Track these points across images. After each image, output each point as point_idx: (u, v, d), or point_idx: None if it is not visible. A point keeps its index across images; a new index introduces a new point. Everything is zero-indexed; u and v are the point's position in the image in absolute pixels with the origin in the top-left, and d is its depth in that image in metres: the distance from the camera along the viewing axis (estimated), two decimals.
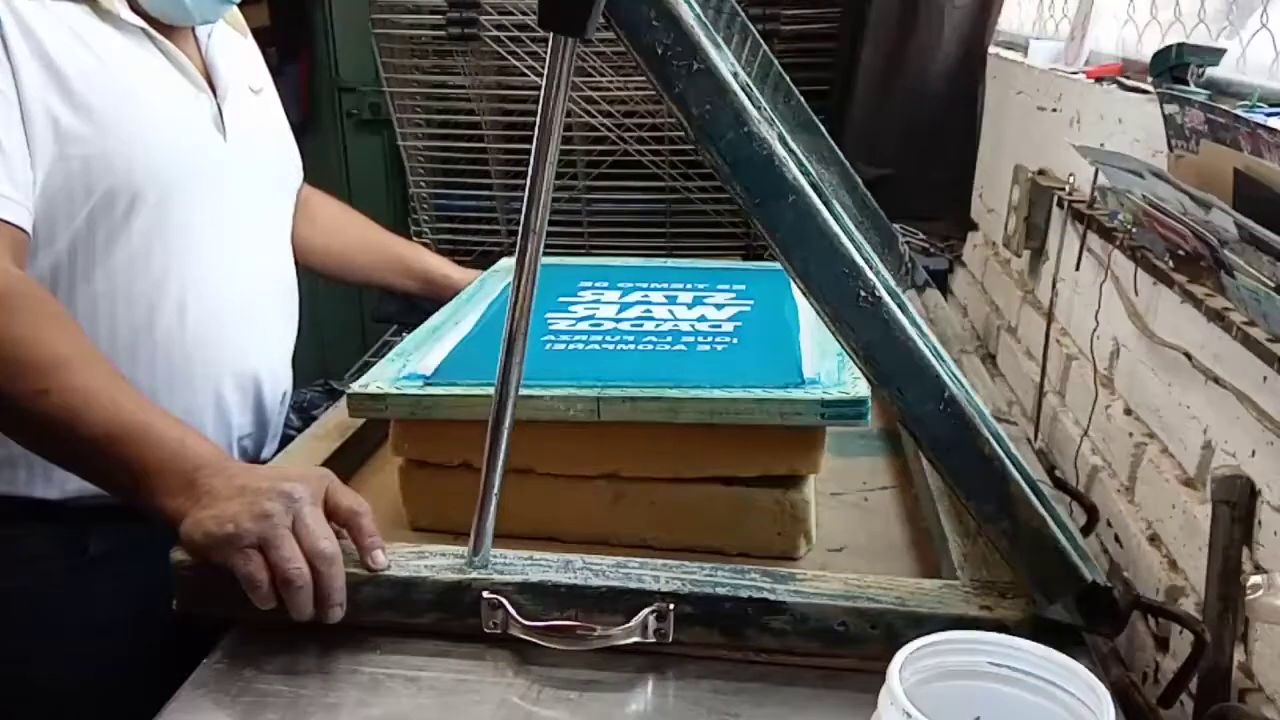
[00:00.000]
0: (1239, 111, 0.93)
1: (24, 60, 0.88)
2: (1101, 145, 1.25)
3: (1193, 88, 1.09)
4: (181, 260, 0.98)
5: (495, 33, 1.97)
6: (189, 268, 0.98)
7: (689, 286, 1.14)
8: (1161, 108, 1.03)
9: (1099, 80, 1.36)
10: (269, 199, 1.11)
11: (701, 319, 1.03)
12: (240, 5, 1.15)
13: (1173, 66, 1.11)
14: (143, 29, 0.96)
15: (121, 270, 0.95)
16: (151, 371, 0.97)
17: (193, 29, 1.03)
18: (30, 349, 0.81)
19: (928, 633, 0.60)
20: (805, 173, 0.69)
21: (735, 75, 0.68)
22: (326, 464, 0.93)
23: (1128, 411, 1.17)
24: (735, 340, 0.97)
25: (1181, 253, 0.98)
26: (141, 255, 0.95)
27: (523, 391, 0.75)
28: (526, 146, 0.68)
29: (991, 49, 1.80)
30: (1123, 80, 1.32)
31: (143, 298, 0.96)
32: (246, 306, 1.05)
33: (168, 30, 0.98)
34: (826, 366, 0.88)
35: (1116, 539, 1.14)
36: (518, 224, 0.70)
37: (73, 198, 0.91)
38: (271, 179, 1.11)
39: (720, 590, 0.74)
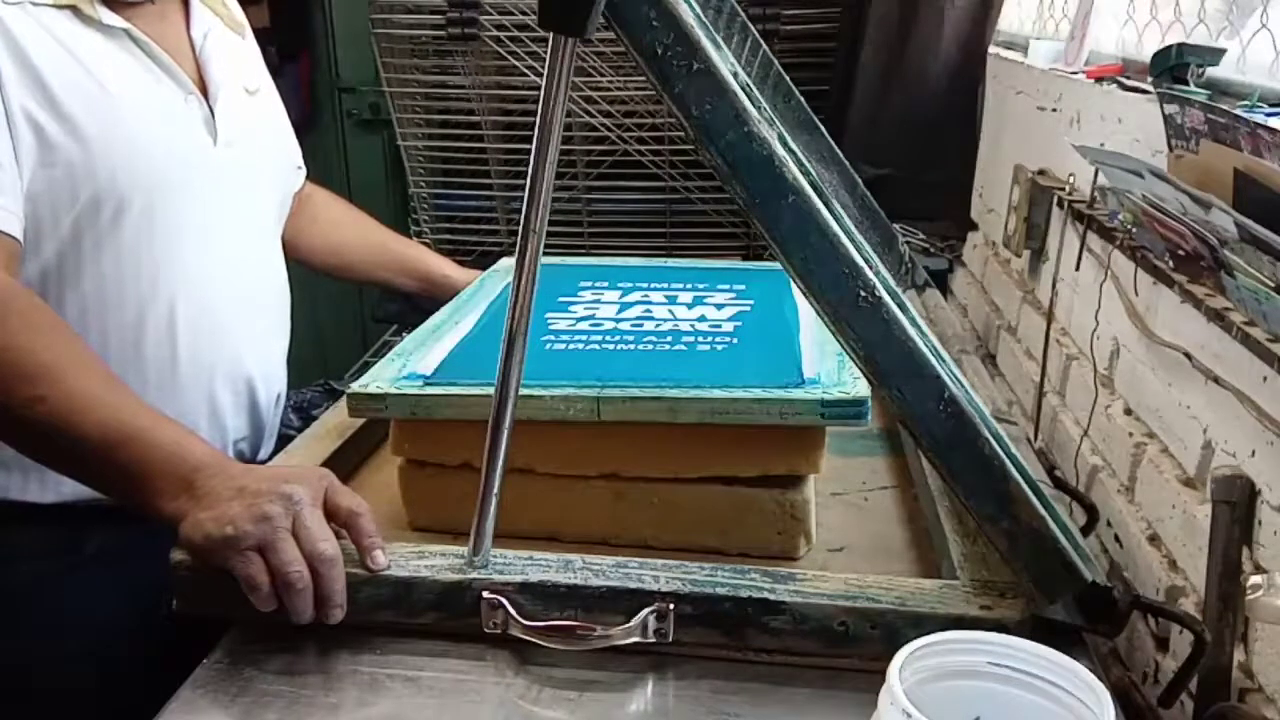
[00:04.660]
0: (1239, 111, 0.93)
1: (6, 66, 0.87)
2: (1101, 145, 1.25)
3: (1193, 88, 1.09)
4: (171, 264, 0.97)
5: (495, 33, 1.97)
6: (179, 271, 0.98)
7: (689, 286, 1.14)
8: (1161, 108, 1.03)
9: (1099, 80, 1.36)
10: (262, 201, 1.10)
11: (701, 319, 1.03)
12: (241, 5, 1.15)
13: (1173, 66, 1.11)
14: (128, 32, 0.95)
15: (110, 275, 0.94)
16: (143, 375, 0.96)
17: (187, 31, 1.02)
18: (24, 356, 0.80)
19: (928, 633, 0.60)
20: (805, 173, 0.69)
21: (735, 75, 0.68)
22: (326, 464, 0.93)
23: (1128, 411, 1.17)
24: (735, 340, 0.97)
25: (1181, 253, 0.98)
26: (130, 260, 0.95)
27: (523, 391, 0.75)
28: (526, 146, 0.68)
29: (991, 49, 1.80)
30: (1123, 80, 1.32)
31: (132, 302, 0.96)
32: (239, 309, 1.04)
33: (157, 32, 0.98)
34: (826, 366, 0.88)
35: (1116, 539, 1.14)
36: (518, 224, 0.70)
37: (57, 204, 0.90)
38: (265, 181, 1.10)
39: (720, 590, 0.74)
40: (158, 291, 0.97)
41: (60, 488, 0.95)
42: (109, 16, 0.94)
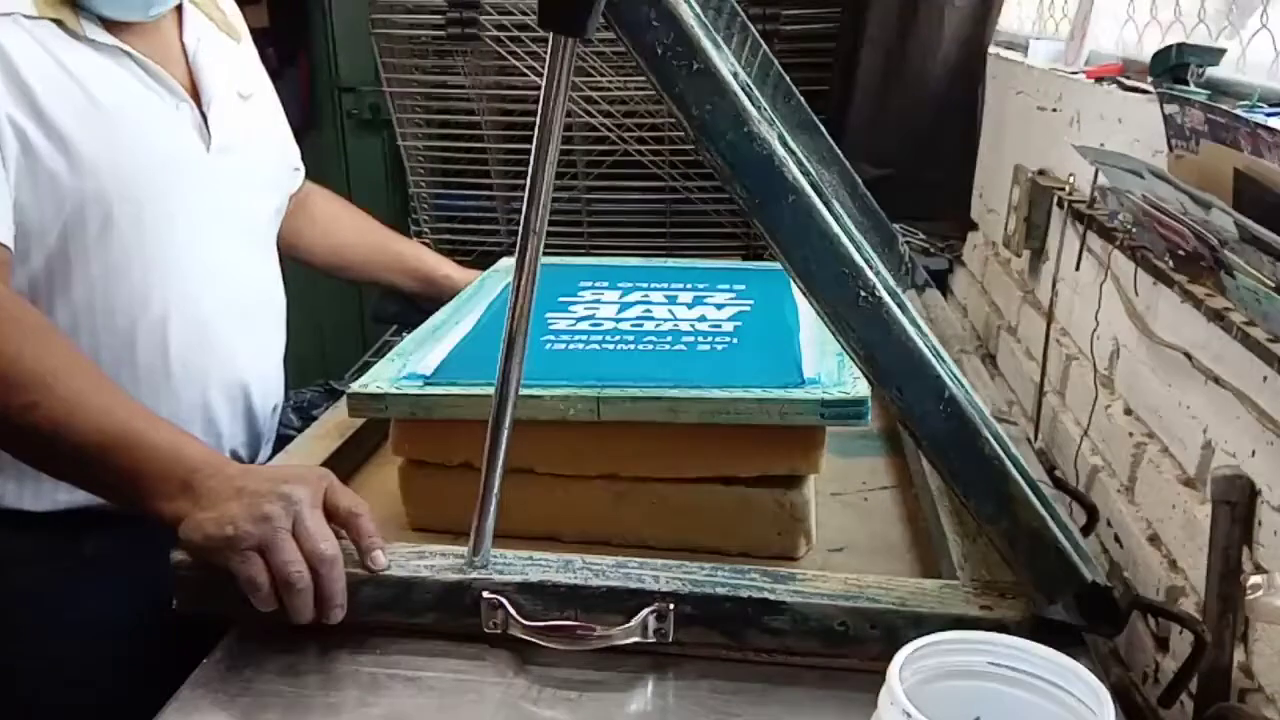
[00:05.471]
0: (1239, 111, 0.93)
1: None
2: (1101, 145, 1.25)
3: (1193, 88, 1.09)
4: (163, 271, 0.97)
5: (495, 33, 1.97)
6: (171, 278, 0.97)
7: (689, 286, 1.14)
8: (1161, 108, 1.03)
9: (1099, 80, 1.36)
10: (257, 206, 1.09)
11: (701, 319, 1.03)
12: (240, 5, 1.15)
13: (1173, 66, 1.11)
14: (118, 47, 0.94)
15: (100, 283, 0.94)
16: (136, 383, 0.96)
17: (180, 39, 1.01)
18: (15, 363, 0.80)
19: (928, 633, 0.60)
20: (805, 173, 0.69)
21: (735, 75, 0.68)
22: (326, 464, 0.93)
23: (1128, 411, 1.17)
24: (735, 340, 0.97)
25: (1181, 253, 0.98)
26: (120, 268, 0.94)
27: (523, 391, 0.75)
28: (526, 146, 0.68)
29: (991, 49, 1.80)
30: (1123, 80, 1.32)
31: (124, 310, 0.95)
32: (232, 315, 1.04)
33: (149, 43, 0.97)
34: (826, 366, 0.88)
35: (1116, 539, 1.14)
36: (518, 224, 0.70)
37: (44, 213, 0.90)
38: (260, 186, 1.09)
39: (720, 590, 0.74)
40: (149, 299, 0.96)
41: (56, 496, 0.95)
42: (99, 34, 0.93)
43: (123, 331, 0.96)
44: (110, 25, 0.94)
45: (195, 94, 1.00)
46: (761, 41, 0.94)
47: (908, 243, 1.50)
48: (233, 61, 1.08)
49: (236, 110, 1.04)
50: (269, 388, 1.10)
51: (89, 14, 0.93)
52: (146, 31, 0.97)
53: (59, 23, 0.91)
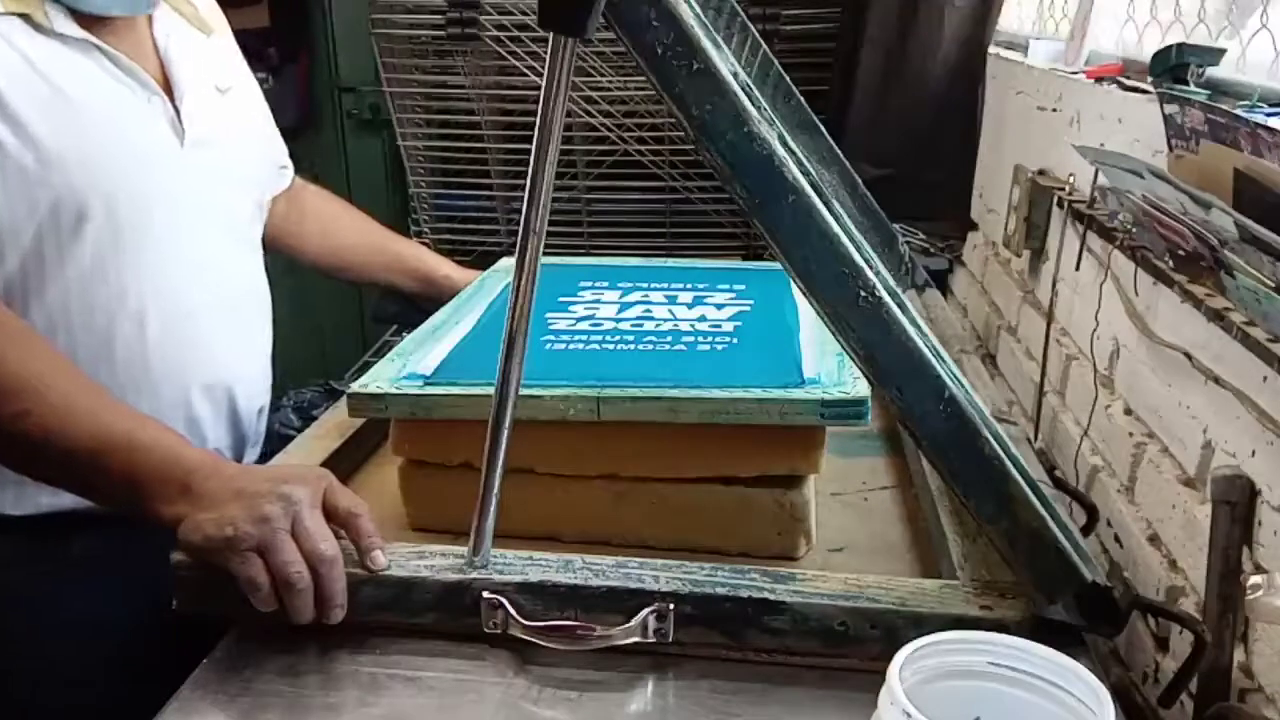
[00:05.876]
0: (1239, 111, 0.93)
1: None
2: (1101, 145, 1.25)
3: (1193, 88, 1.09)
4: (139, 269, 0.95)
5: (495, 33, 1.97)
6: (147, 276, 0.96)
7: (689, 286, 1.14)
8: (1161, 108, 1.03)
9: (1099, 80, 1.36)
10: (236, 202, 1.07)
11: (701, 319, 1.03)
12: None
13: (1173, 66, 1.11)
14: (88, 40, 0.92)
15: (76, 283, 0.92)
16: (115, 385, 0.94)
17: (151, 33, 1.00)
18: (1, 370, 0.80)
19: (928, 633, 0.60)
20: (805, 173, 0.69)
21: (735, 75, 0.68)
22: (326, 464, 0.93)
23: (1128, 411, 1.17)
24: (735, 340, 0.97)
25: (1181, 253, 0.98)
26: (96, 267, 0.93)
27: (523, 391, 0.75)
28: (526, 146, 0.68)
29: (991, 49, 1.80)
30: (1123, 80, 1.32)
31: (101, 310, 0.94)
32: (213, 310, 1.02)
33: (118, 37, 0.95)
34: (826, 366, 0.88)
35: (1116, 539, 1.14)
36: (518, 224, 0.70)
37: (16, 213, 0.88)
38: (239, 180, 1.07)
39: (720, 590, 0.74)
40: (126, 294, 0.95)
41: (39, 499, 0.95)
42: (68, 27, 0.91)
43: (100, 329, 0.94)
44: (80, 19, 0.92)
45: (168, 88, 0.98)
46: (761, 41, 0.94)
47: (908, 243, 1.50)
48: (207, 56, 1.05)
49: (213, 104, 1.02)
50: (254, 389, 1.09)
51: (58, 6, 0.91)
52: (117, 26, 0.95)
53: (25, 17, 0.89)
